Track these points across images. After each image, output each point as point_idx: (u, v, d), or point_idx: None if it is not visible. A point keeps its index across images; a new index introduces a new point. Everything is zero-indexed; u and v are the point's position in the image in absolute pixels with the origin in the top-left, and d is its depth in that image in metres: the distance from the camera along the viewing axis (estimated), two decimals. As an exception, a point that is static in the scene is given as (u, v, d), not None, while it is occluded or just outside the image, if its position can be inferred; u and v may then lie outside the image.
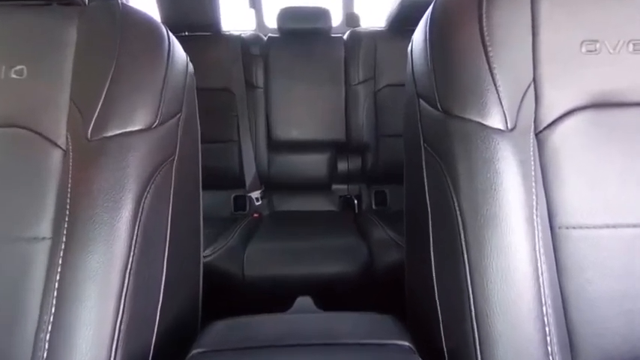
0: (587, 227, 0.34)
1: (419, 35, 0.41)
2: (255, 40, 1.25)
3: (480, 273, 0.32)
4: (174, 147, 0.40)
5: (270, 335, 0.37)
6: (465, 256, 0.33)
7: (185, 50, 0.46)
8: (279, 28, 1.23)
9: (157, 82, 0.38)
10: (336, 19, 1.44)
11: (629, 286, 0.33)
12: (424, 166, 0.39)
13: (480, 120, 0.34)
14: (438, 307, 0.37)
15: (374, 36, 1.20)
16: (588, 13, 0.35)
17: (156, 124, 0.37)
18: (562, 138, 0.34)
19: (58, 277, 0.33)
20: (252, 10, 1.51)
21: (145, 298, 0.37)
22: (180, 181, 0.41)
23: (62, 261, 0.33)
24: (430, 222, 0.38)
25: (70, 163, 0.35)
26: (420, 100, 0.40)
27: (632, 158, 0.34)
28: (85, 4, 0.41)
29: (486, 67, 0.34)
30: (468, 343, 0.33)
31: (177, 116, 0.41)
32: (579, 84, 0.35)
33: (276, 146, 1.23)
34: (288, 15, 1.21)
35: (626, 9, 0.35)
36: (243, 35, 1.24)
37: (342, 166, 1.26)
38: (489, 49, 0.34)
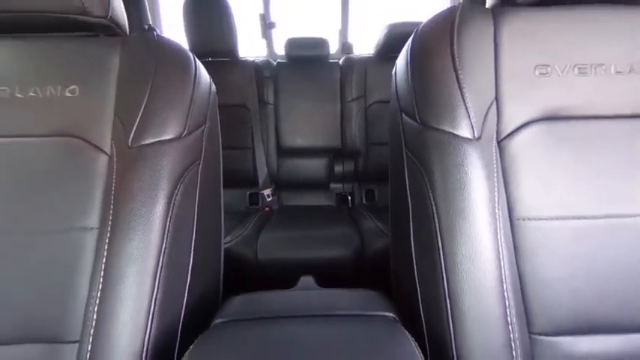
0: (540, 219, 0.33)
1: (401, 60, 0.41)
2: (266, 65, 1.25)
3: (452, 257, 0.32)
4: (200, 153, 0.40)
5: (279, 308, 0.37)
6: (440, 243, 0.33)
7: (209, 73, 0.46)
8: (287, 55, 1.23)
9: (186, 99, 0.38)
10: (333, 47, 1.44)
11: (575, 268, 0.33)
12: (406, 169, 0.39)
13: (451, 130, 0.34)
14: (418, 285, 0.37)
15: (364, 61, 1.20)
16: (541, 42, 0.35)
17: (184, 134, 0.38)
18: (519, 145, 0.34)
19: (104, 260, 0.33)
20: (264, 40, 1.52)
21: (176, 278, 0.37)
22: (204, 181, 0.41)
23: (107, 247, 0.33)
24: (411, 215, 0.38)
25: (115, 166, 0.35)
26: (403, 114, 0.40)
27: (577, 163, 0.34)
28: (126, 35, 0.41)
29: (457, 86, 0.34)
30: (442, 316, 0.33)
31: (202, 128, 0.41)
32: (533, 101, 0.35)
33: (284, 152, 1.23)
34: (293, 44, 1.21)
35: (572, 38, 0.35)
36: (256, 61, 1.24)
37: (338, 168, 1.26)
38: (459, 72, 0.34)
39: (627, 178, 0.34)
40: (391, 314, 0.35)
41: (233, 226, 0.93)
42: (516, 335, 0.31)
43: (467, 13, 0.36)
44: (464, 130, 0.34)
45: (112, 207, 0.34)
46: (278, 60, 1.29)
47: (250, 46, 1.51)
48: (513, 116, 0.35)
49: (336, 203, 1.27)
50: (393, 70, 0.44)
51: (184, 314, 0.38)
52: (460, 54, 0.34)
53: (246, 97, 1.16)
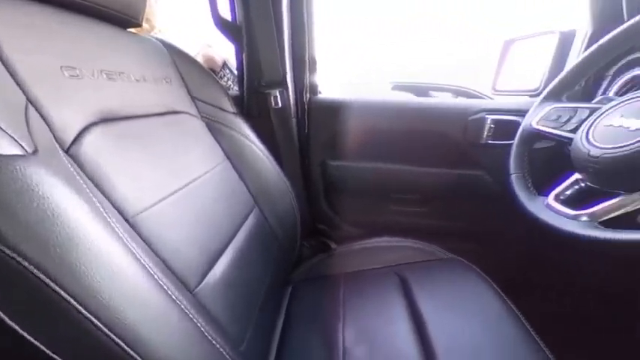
0: (148, 208, 0.35)
1: None
2: None
3: (86, 291, 0.24)
4: None
5: None
6: (56, 287, 0.23)
7: None
8: None
9: None
10: None
11: (186, 229, 0.39)
12: None
13: None
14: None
15: None
16: (59, 43, 0.32)
17: None
18: (92, 151, 0.31)
19: None
20: None
21: None
22: None
23: None
24: None
25: None
26: None
27: (149, 155, 0.38)
28: None
29: None
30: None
31: None
32: (82, 104, 0.32)
33: None
34: None
35: (90, 45, 0.36)
36: None
37: None
38: None
39: (180, 156, 0.44)
40: None
41: None
42: (185, 304, 0.32)
43: None
44: (4, 147, 0.23)
45: None
46: None
47: None
48: (68, 122, 0.30)
49: None
50: None
51: None
52: None
53: None
